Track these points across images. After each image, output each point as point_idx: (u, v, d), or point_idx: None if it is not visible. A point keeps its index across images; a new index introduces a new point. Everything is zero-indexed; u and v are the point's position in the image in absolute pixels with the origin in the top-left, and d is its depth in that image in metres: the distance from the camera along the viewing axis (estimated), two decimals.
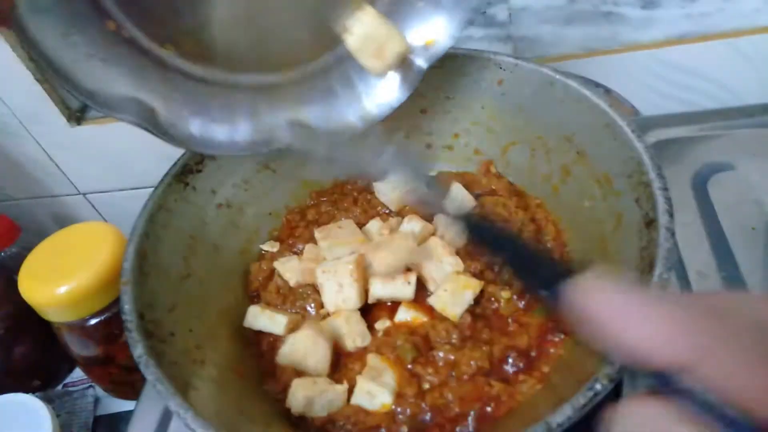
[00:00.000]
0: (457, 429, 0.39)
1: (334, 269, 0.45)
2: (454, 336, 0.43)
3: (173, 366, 0.37)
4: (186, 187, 0.49)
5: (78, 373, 0.74)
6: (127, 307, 0.39)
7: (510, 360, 0.41)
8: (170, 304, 0.43)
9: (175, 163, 0.49)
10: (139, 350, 0.36)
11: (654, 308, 0.18)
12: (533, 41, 0.69)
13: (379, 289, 0.46)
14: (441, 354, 0.42)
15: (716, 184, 0.58)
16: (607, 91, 0.64)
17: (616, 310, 0.19)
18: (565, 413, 0.29)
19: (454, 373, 0.41)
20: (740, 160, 0.59)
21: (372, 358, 0.43)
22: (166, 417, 0.50)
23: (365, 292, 0.46)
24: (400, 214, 0.53)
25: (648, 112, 0.65)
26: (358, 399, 0.41)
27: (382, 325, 0.46)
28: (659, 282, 0.33)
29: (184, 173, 0.49)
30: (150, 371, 0.35)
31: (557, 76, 0.47)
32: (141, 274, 0.42)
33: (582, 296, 0.19)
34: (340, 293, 0.45)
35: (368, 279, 0.46)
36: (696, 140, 0.61)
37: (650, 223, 0.37)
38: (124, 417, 0.69)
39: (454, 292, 0.44)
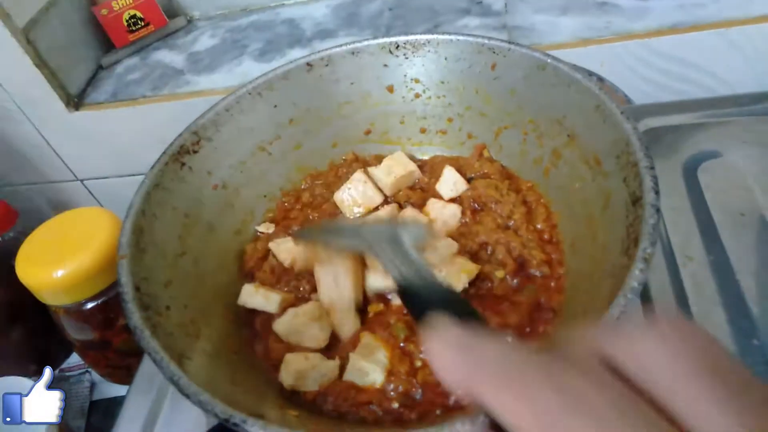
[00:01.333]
0: (449, 403, 0.40)
1: (332, 265, 0.45)
2: None
3: (168, 337, 0.38)
4: (182, 167, 0.50)
5: (74, 359, 0.75)
6: (124, 279, 0.39)
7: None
8: (166, 279, 0.43)
9: (172, 143, 0.50)
10: (134, 320, 0.37)
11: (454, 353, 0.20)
12: (528, 30, 0.69)
13: (377, 281, 0.46)
14: None
15: (706, 171, 0.59)
16: (600, 80, 0.65)
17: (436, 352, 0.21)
18: None
19: None
20: (730, 148, 0.60)
21: (365, 336, 0.43)
22: (156, 404, 0.52)
23: (362, 288, 0.46)
24: (395, 199, 0.54)
25: (640, 102, 0.66)
26: (350, 375, 0.42)
27: (376, 307, 0.46)
28: (644, 256, 0.34)
29: (181, 153, 0.50)
30: (145, 341, 0.36)
31: (549, 60, 0.47)
32: (137, 250, 0.42)
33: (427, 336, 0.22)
34: (335, 288, 0.45)
35: (365, 273, 0.46)
36: (687, 128, 0.62)
37: (636, 201, 0.37)
38: (120, 402, 0.69)
39: (450, 274, 0.44)
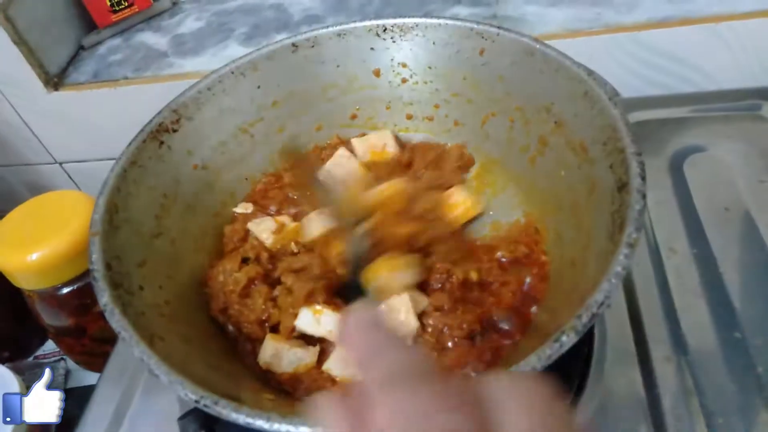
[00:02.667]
0: None
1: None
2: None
3: (140, 317, 0.37)
4: (161, 145, 0.48)
5: (50, 346, 0.73)
6: (95, 256, 0.38)
7: (501, 320, 0.42)
8: (140, 259, 0.42)
9: (151, 121, 0.48)
10: (104, 299, 0.36)
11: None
12: (518, 21, 0.69)
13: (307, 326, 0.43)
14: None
15: (692, 166, 0.59)
16: (589, 73, 0.65)
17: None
18: (530, 363, 0.29)
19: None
20: (715, 143, 0.60)
21: None
22: (127, 394, 0.51)
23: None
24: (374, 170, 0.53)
25: (627, 95, 0.66)
26: (331, 364, 0.41)
27: None
28: (629, 241, 0.33)
29: (160, 131, 0.49)
30: (115, 319, 0.35)
31: (537, 46, 0.47)
32: (111, 227, 0.41)
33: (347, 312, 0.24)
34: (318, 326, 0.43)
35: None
36: (673, 123, 0.62)
37: (623, 187, 0.37)
38: None
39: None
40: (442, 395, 0.19)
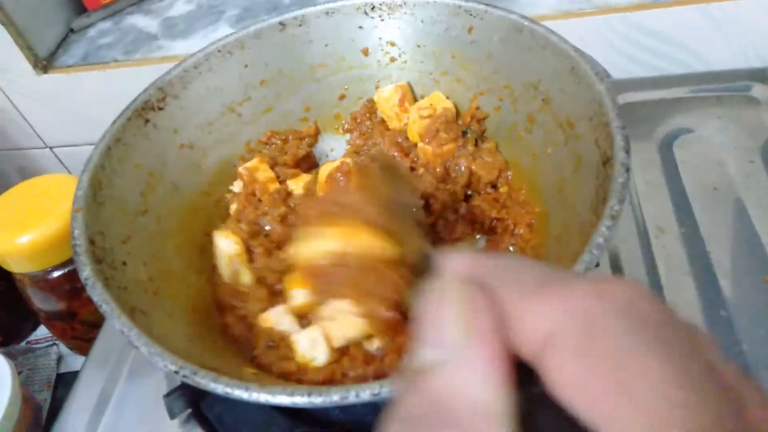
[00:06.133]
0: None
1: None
2: None
3: (122, 291, 0.37)
4: (146, 123, 0.48)
5: (42, 331, 0.73)
6: (77, 232, 0.38)
7: None
8: (124, 235, 0.42)
9: (136, 99, 0.48)
10: (86, 273, 0.36)
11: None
12: (509, 2, 0.68)
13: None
14: None
15: (681, 146, 0.58)
16: (576, 50, 0.64)
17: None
18: None
19: None
20: (705, 124, 0.59)
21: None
22: (112, 379, 0.51)
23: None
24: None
25: (618, 77, 0.66)
26: (301, 337, 0.40)
27: None
28: (611, 213, 0.33)
29: (145, 109, 0.48)
30: (96, 293, 0.35)
31: (525, 23, 0.46)
32: (94, 203, 0.41)
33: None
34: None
35: None
36: (664, 104, 0.62)
37: (607, 161, 0.37)
38: None
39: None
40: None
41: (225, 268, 0.46)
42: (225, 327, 0.43)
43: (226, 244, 0.46)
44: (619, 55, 0.67)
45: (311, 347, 0.39)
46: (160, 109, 0.49)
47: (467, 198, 0.49)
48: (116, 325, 0.33)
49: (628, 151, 0.36)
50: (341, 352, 0.39)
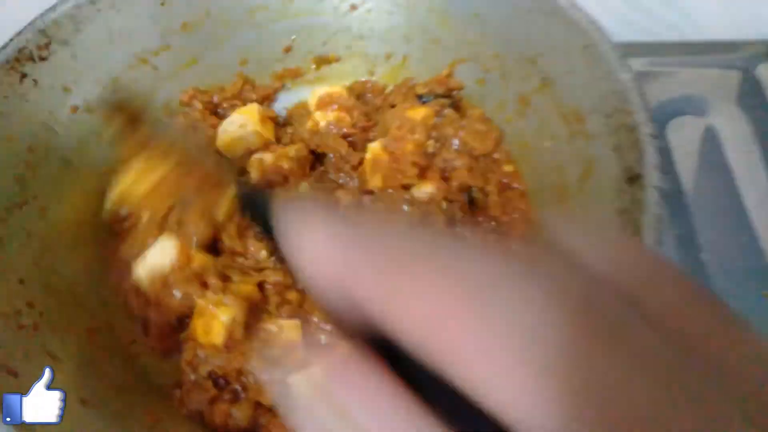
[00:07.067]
0: None
1: None
2: None
3: None
4: (23, 79, 0.36)
5: None
6: None
7: None
8: None
9: (5, 46, 0.35)
10: None
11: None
12: None
13: None
14: None
15: (676, 124, 0.52)
16: (593, 22, 0.56)
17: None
18: None
19: None
20: (701, 97, 0.53)
21: None
22: None
23: None
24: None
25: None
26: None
27: None
28: None
29: (20, 60, 0.36)
30: None
31: None
32: None
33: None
34: None
35: None
36: (660, 75, 0.55)
37: (634, 178, 0.29)
38: None
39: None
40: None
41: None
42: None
43: None
44: (611, 15, 0.59)
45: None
46: (43, 59, 0.37)
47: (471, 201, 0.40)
48: None
49: (663, 171, 0.28)
50: None
